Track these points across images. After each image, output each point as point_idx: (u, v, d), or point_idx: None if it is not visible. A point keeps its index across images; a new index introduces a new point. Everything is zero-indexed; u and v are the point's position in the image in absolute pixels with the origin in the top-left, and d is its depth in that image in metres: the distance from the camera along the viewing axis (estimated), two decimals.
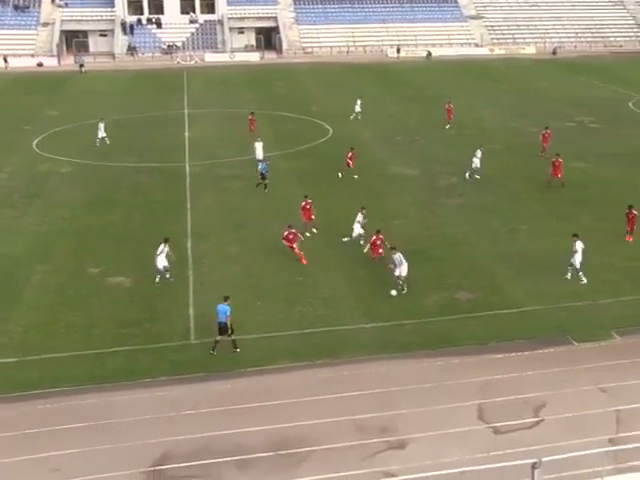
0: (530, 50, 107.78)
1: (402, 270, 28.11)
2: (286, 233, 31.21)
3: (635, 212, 33.36)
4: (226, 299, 24.38)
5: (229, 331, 24.17)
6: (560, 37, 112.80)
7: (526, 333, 25.47)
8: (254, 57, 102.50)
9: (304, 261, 30.83)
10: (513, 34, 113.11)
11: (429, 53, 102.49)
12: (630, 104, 65.10)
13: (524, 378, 22.85)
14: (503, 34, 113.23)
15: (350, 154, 43.39)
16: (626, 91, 69.56)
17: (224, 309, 24.14)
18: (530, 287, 28.81)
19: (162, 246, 28.87)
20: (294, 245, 31.18)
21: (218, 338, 24.22)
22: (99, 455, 19.39)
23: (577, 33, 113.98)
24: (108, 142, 51.58)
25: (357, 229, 32.69)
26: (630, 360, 23.74)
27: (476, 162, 43.02)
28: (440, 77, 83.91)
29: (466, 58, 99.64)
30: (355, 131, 55.52)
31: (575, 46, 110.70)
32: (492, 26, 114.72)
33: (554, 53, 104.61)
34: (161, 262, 28.78)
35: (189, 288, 28.37)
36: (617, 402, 21.54)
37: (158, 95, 72.29)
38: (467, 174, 43.04)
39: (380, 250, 30.30)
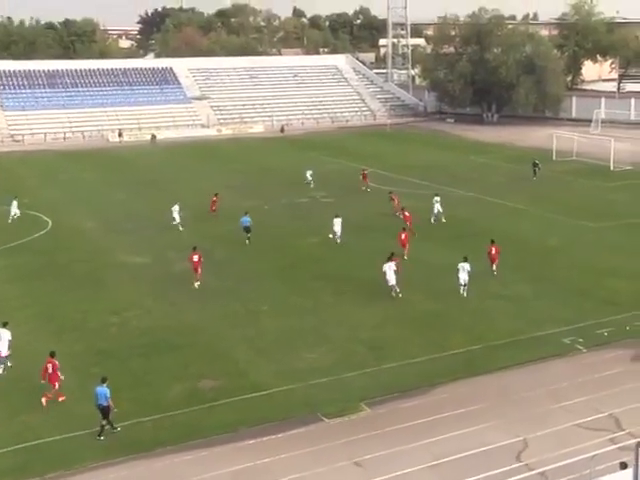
0: (258, 129, 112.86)
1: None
2: None
3: None
4: (104, 381, 25.01)
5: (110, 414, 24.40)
6: (287, 115, 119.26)
7: (276, 415, 26.15)
8: None
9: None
10: (240, 113, 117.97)
11: (154, 136, 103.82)
12: (360, 177, 69.96)
13: (277, 462, 23.37)
14: (230, 114, 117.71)
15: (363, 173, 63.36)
16: (357, 164, 74.78)
17: (103, 391, 24.63)
18: (276, 367, 29.77)
19: None
20: None
21: (104, 423, 24.45)
22: None
23: (303, 110, 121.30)
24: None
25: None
26: (381, 430, 25.13)
27: (438, 207, 51.63)
28: (167, 160, 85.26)
29: (193, 139, 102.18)
30: (78, 221, 54.67)
31: (302, 123, 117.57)
32: (218, 106, 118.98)
33: (282, 131, 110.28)
34: None
35: None
36: (372, 474, 22.67)
37: None
38: (432, 219, 51.58)
39: None
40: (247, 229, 47.98)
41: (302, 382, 28.45)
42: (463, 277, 37.49)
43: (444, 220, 51.98)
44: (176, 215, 52.63)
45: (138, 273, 42.51)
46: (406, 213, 48.73)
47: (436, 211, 52.10)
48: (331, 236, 47.65)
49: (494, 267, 40.60)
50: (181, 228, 51.87)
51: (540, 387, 27.72)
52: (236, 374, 29.25)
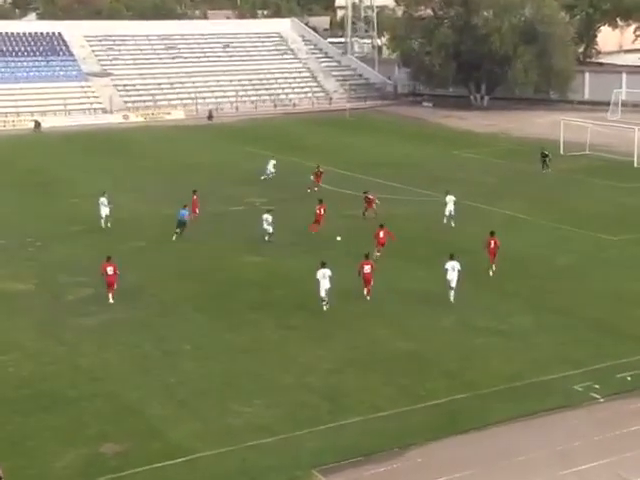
0: (178, 115, 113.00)
1: None
2: None
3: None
4: None
5: None
6: (216, 97, 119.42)
7: None
8: None
9: None
10: (153, 95, 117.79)
11: (37, 123, 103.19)
12: (311, 177, 70.25)
13: None
14: (140, 96, 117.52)
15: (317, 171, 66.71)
16: (304, 161, 75.04)
17: None
18: (201, 425, 29.64)
19: None
20: None
21: None
22: None
23: (237, 91, 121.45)
24: None
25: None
26: None
27: (450, 208, 55.07)
28: (56, 156, 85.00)
29: (91, 128, 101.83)
30: None
31: (236, 107, 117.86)
32: (124, 86, 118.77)
33: (210, 117, 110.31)
34: None
35: None
36: None
37: None
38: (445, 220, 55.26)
39: None
40: (182, 224, 52.53)
41: (236, 444, 28.29)
42: (453, 278, 40.55)
43: (453, 225, 54.73)
44: (104, 209, 55.31)
45: (18, 304, 42.19)
46: (321, 210, 54.07)
47: (448, 212, 55.41)
48: (266, 238, 51.50)
49: (493, 266, 44.91)
50: (109, 224, 55.28)
51: (546, 447, 27.92)
52: (149, 435, 29.04)
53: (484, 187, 66.65)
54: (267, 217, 51.88)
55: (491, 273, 44.81)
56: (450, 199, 55.63)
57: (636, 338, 36.51)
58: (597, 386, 32.00)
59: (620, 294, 42.24)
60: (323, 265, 40.16)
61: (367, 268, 41.10)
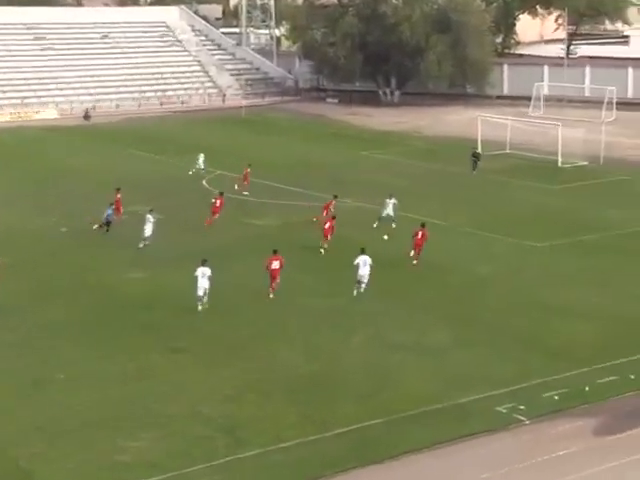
0: (49, 114, 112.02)
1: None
2: None
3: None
4: None
5: None
6: (93, 94, 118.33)
7: None
8: None
9: None
10: (20, 92, 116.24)
11: None
12: (204, 182, 70.01)
13: None
14: (4, 93, 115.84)
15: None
16: (194, 164, 74.62)
17: None
18: (79, 464, 29.01)
19: None
20: None
21: None
22: None
23: (118, 87, 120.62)
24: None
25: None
26: None
27: (389, 211, 56.87)
28: None
29: None
30: None
31: (117, 105, 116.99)
32: None
33: (87, 117, 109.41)
34: None
35: None
36: None
37: None
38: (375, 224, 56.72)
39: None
40: (108, 223, 56.03)
41: None
42: (365, 273, 43.13)
43: (394, 226, 56.19)
44: None
45: None
46: (217, 202, 57.28)
47: (385, 214, 57.08)
48: (141, 245, 52.77)
49: (414, 255, 48.42)
50: None
51: (467, 475, 28.08)
52: (14, 478, 28.49)
53: (394, 190, 66.68)
54: (149, 217, 53.22)
55: (414, 262, 48.16)
56: (392, 202, 57.25)
57: (563, 353, 37.08)
58: (522, 407, 32.33)
59: (546, 305, 42.78)
60: (203, 263, 42.12)
61: (275, 264, 43.33)
